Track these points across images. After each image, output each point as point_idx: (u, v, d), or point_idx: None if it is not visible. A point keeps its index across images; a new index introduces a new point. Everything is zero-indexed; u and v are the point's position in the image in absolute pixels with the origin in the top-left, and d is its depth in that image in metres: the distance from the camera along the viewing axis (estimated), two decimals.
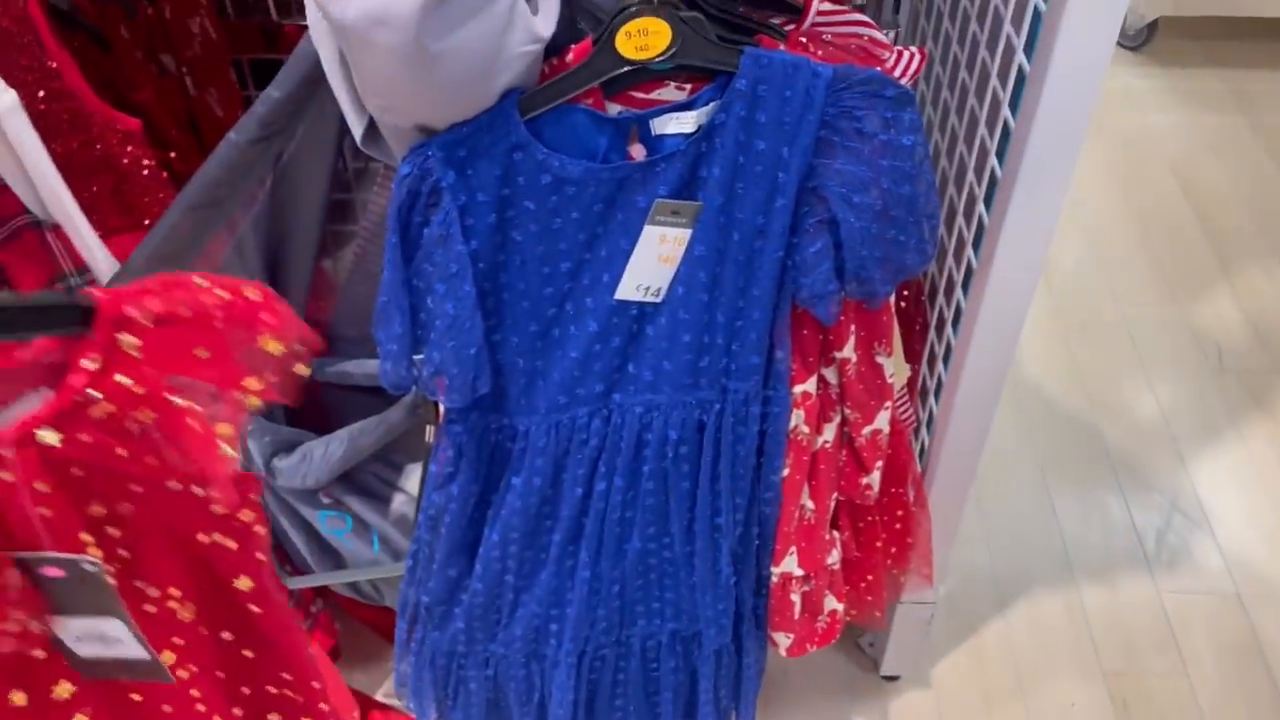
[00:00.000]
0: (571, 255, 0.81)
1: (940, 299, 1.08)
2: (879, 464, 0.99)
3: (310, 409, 1.04)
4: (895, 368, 0.96)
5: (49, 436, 0.41)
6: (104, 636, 0.48)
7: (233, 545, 0.51)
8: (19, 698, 0.47)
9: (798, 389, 0.90)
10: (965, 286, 1.00)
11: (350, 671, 1.24)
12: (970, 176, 0.98)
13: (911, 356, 1.16)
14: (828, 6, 0.81)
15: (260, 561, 0.54)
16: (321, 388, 1.01)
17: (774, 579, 0.99)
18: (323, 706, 0.65)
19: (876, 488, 1.00)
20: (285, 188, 0.88)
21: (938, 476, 1.12)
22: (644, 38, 0.73)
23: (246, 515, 0.50)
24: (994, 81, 0.92)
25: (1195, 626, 1.41)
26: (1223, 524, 1.54)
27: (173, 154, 1.07)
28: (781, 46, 0.76)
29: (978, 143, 0.96)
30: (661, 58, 0.74)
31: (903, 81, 0.83)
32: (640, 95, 0.78)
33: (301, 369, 0.50)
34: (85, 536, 0.45)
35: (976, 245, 0.98)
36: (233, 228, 0.88)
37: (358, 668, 1.30)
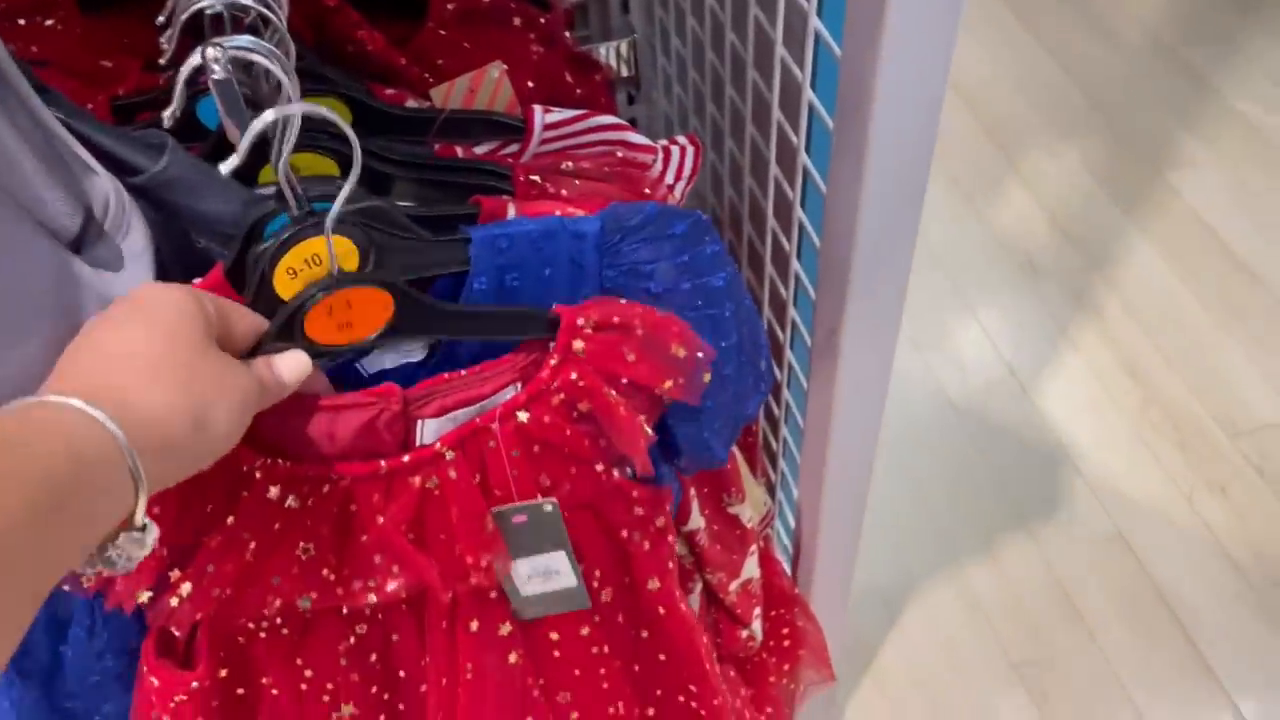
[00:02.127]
0: None
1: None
2: (757, 610, 0.80)
3: None
4: (752, 506, 0.76)
5: (523, 415, 0.54)
6: (548, 571, 0.60)
7: (647, 546, 0.61)
8: (474, 625, 0.60)
9: None
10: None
11: None
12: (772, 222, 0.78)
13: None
14: (557, 116, 0.57)
15: (669, 569, 0.62)
16: None
17: None
18: None
19: (760, 635, 0.82)
20: None
21: (817, 566, 0.94)
22: (316, 267, 0.48)
23: (660, 522, 0.61)
24: (777, 115, 0.71)
25: (1091, 586, 1.32)
26: (1081, 452, 1.46)
27: None
28: (511, 207, 0.53)
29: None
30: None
31: (679, 187, 0.61)
32: None
33: (707, 377, 0.57)
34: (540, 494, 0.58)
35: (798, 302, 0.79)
36: None
37: None
